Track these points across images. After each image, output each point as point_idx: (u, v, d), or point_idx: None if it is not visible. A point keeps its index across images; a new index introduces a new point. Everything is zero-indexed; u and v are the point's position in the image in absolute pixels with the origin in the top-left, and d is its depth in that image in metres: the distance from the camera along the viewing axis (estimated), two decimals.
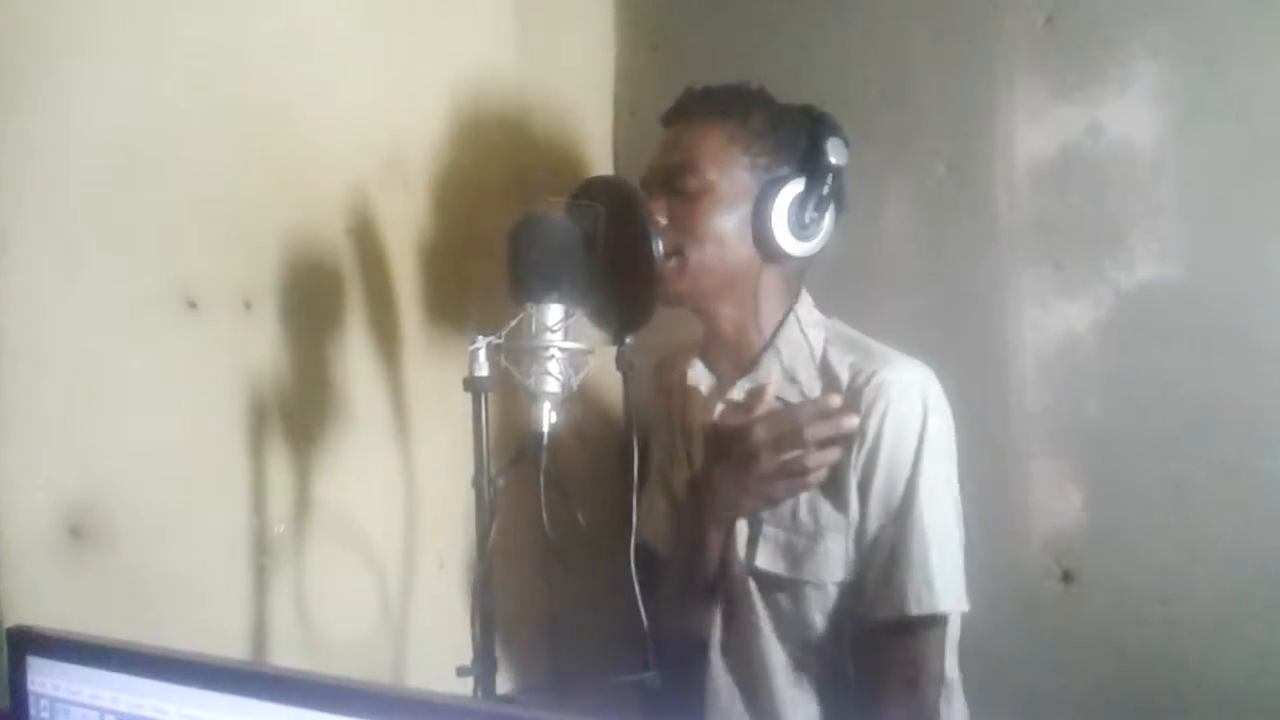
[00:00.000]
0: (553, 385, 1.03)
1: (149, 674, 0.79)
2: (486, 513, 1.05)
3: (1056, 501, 1.43)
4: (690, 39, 1.76)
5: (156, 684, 0.78)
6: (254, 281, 1.26)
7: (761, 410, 1.20)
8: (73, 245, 1.09)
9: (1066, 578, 1.40)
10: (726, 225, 1.26)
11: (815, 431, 1.16)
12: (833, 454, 1.18)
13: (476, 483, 1.06)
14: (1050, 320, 1.41)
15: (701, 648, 1.31)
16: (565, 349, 1.04)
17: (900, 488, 1.19)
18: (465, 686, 1.03)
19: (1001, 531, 1.41)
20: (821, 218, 1.26)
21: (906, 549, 1.17)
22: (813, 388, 1.25)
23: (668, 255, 1.21)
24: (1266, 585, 1.27)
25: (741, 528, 1.27)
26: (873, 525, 1.20)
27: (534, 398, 1.03)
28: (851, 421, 1.17)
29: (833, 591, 1.22)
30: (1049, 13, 1.40)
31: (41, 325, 1.06)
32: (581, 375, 1.06)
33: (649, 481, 1.45)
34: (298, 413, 1.30)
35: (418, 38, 1.49)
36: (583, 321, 1.08)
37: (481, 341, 1.05)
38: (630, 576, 1.05)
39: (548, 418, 1.03)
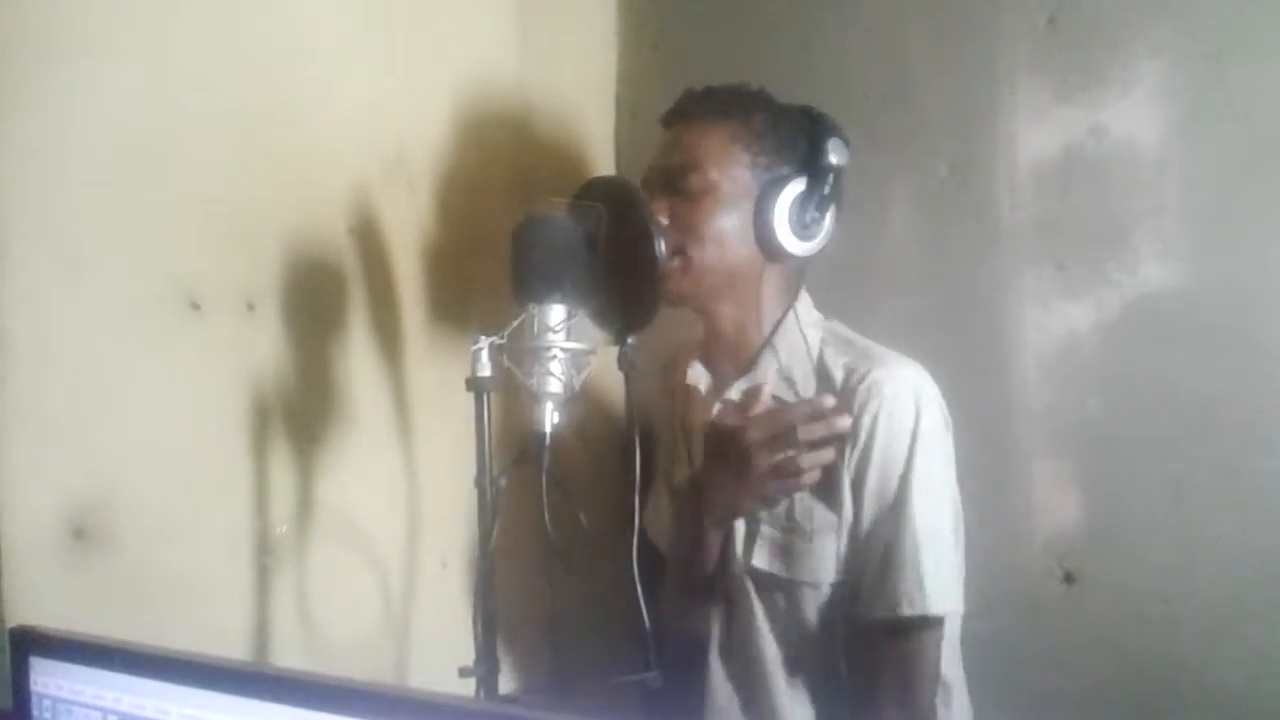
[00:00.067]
0: (555, 385, 1.03)
1: (151, 674, 0.79)
2: (489, 513, 1.05)
3: (1058, 502, 1.43)
4: (692, 40, 1.76)
5: (159, 684, 0.78)
6: (257, 282, 1.26)
7: (758, 410, 1.20)
8: (75, 246, 1.09)
9: (1068, 578, 1.40)
10: (728, 225, 1.26)
11: (808, 432, 1.16)
12: (826, 454, 1.17)
13: (479, 483, 1.06)
14: (1052, 321, 1.41)
15: (701, 647, 1.31)
16: (567, 349, 1.04)
17: (893, 487, 1.18)
18: (467, 687, 1.03)
19: (1003, 532, 1.41)
20: (822, 217, 1.26)
21: (900, 549, 1.17)
22: (808, 388, 1.25)
23: (670, 255, 1.22)
24: (1267, 585, 1.26)
25: (739, 527, 1.27)
26: (867, 525, 1.20)
27: (536, 398, 1.03)
28: (844, 422, 1.17)
29: (828, 592, 1.22)
30: (1051, 13, 1.40)
31: (45, 326, 1.07)
32: (583, 375, 1.06)
33: (654, 482, 1.46)
34: (300, 413, 1.30)
35: (419, 38, 1.49)
36: (585, 322, 1.08)
37: (484, 342, 1.05)
38: (632, 577, 1.05)
39: (550, 418, 1.03)
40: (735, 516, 1.26)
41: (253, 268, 1.26)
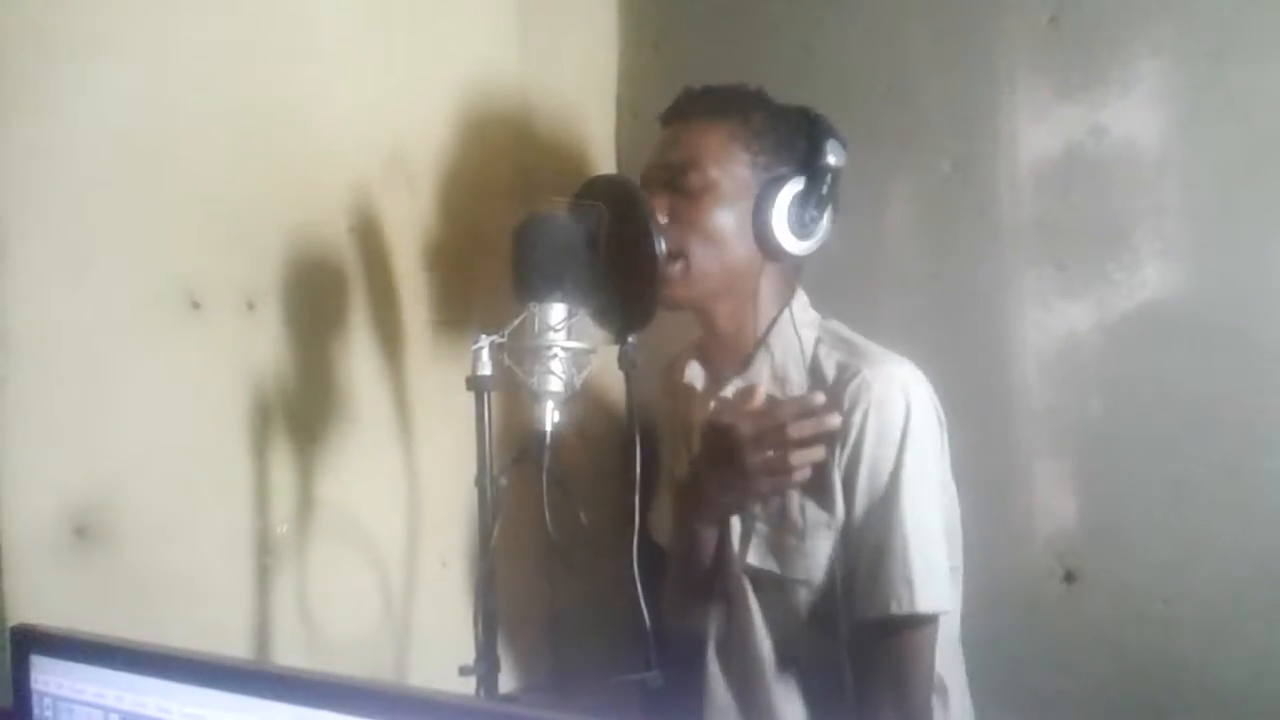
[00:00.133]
0: (555, 384, 1.03)
1: (152, 673, 0.79)
2: (489, 512, 1.05)
3: (1058, 501, 1.43)
4: (692, 39, 1.76)
5: (160, 682, 0.78)
6: (257, 281, 1.26)
7: (752, 408, 1.19)
8: (77, 246, 1.09)
9: (1069, 577, 1.40)
10: (727, 223, 1.26)
11: (798, 429, 1.15)
12: (817, 452, 1.17)
13: (479, 482, 1.06)
14: (1053, 320, 1.41)
15: (701, 646, 1.31)
16: (568, 348, 1.04)
17: (883, 484, 1.18)
18: (468, 685, 1.03)
19: (1004, 531, 1.41)
20: (820, 217, 1.26)
21: (890, 548, 1.17)
22: (802, 386, 1.25)
23: (671, 258, 1.22)
24: (1267, 584, 1.26)
25: (736, 526, 1.28)
26: (858, 523, 1.20)
27: (537, 397, 1.03)
28: (834, 419, 1.16)
29: (823, 590, 1.22)
30: (1052, 12, 1.40)
31: (46, 326, 1.07)
32: (584, 374, 1.06)
33: (659, 481, 1.46)
34: (301, 412, 1.30)
35: (420, 38, 1.50)
36: (585, 321, 1.08)
37: (484, 340, 1.05)
38: (633, 576, 1.05)
39: (550, 417, 1.03)
40: (729, 514, 1.26)
41: (253, 267, 1.26)
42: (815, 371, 1.26)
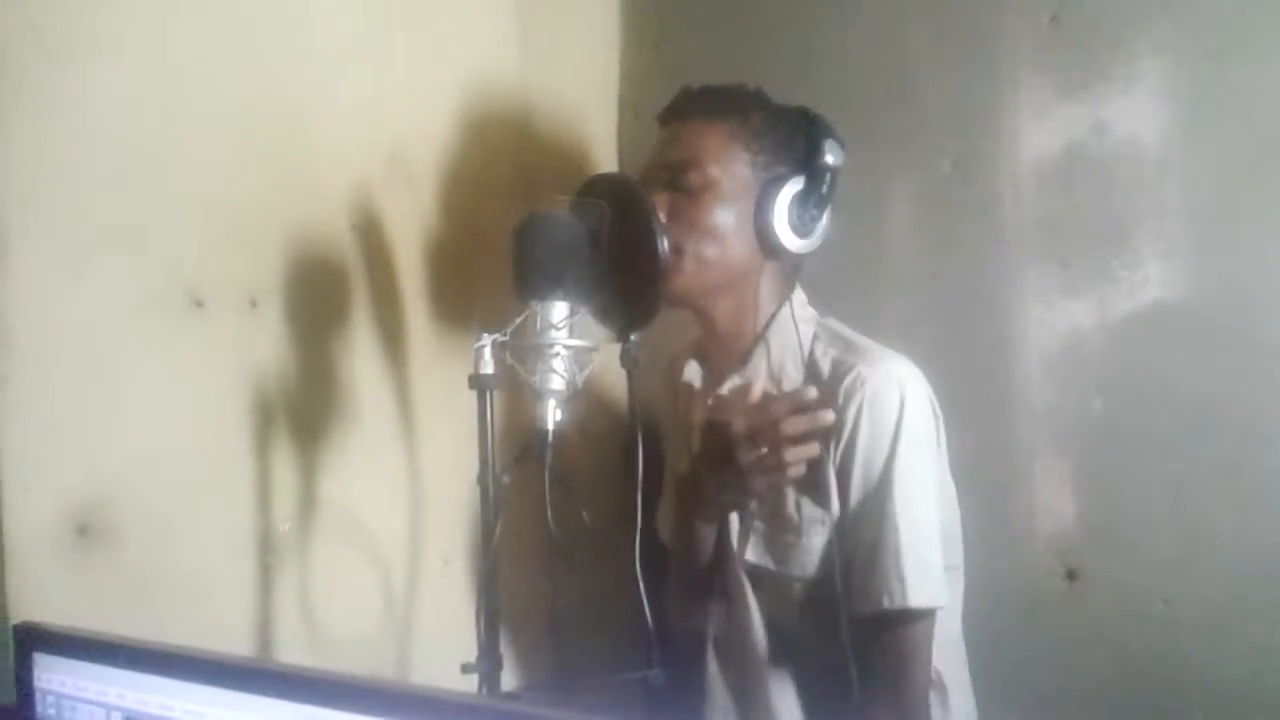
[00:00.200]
0: (558, 383, 1.03)
1: (155, 670, 0.79)
2: (491, 510, 1.05)
3: (1060, 500, 1.43)
4: (693, 39, 1.76)
5: (162, 680, 0.79)
6: (259, 280, 1.27)
7: (747, 405, 1.19)
8: (79, 244, 1.09)
9: (1070, 576, 1.40)
10: (727, 221, 1.26)
11: (791, 426, 1.14)
12: (811, 449, 1.16)
13: (481, 480, 1.06)
14: (1055, 318, 1.41)
15: (702, 644, 1.32)
16: (570, 346, 1.04)
17: (877, 479, 1.18)
18: (470, 683, 1.03)
19: (1005, 530, 1.42)
20: (820, 216, 1.27)
21: (883, 542, 1.17)
22: (799, 382, 1.25)
23: (670, 254, 1.22)
24: (1268, 583, 1.26)
25: (734, 523, 1.28)
26: (853, 518, 1.20)
27: (539, 395, 1.03)
28: (827, 416, 1.15)
29: (819, 586, 1.22)
30: (1053, 11, 1.40)
31: (48, 324, 1.07)
32: (586, 373, 1.06)
33: (665, 481, 1.46)
34: (303, 410, 1.31)
35: (421, 38, 1.50)
36: (587, 319, 1.08)
37: (486, 339, 1.05)
38: (635, 574, 1.05)
39: (553, 415, 1.03)
40: (726, 511, 1.26)
41: (255, 265, 1.27)
42: (811, 367, 1.26)
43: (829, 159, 1.23)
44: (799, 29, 1.61)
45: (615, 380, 1.27)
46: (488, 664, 1.04)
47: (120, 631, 0.84)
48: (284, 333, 1.29)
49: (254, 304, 1.26)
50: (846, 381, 1.20)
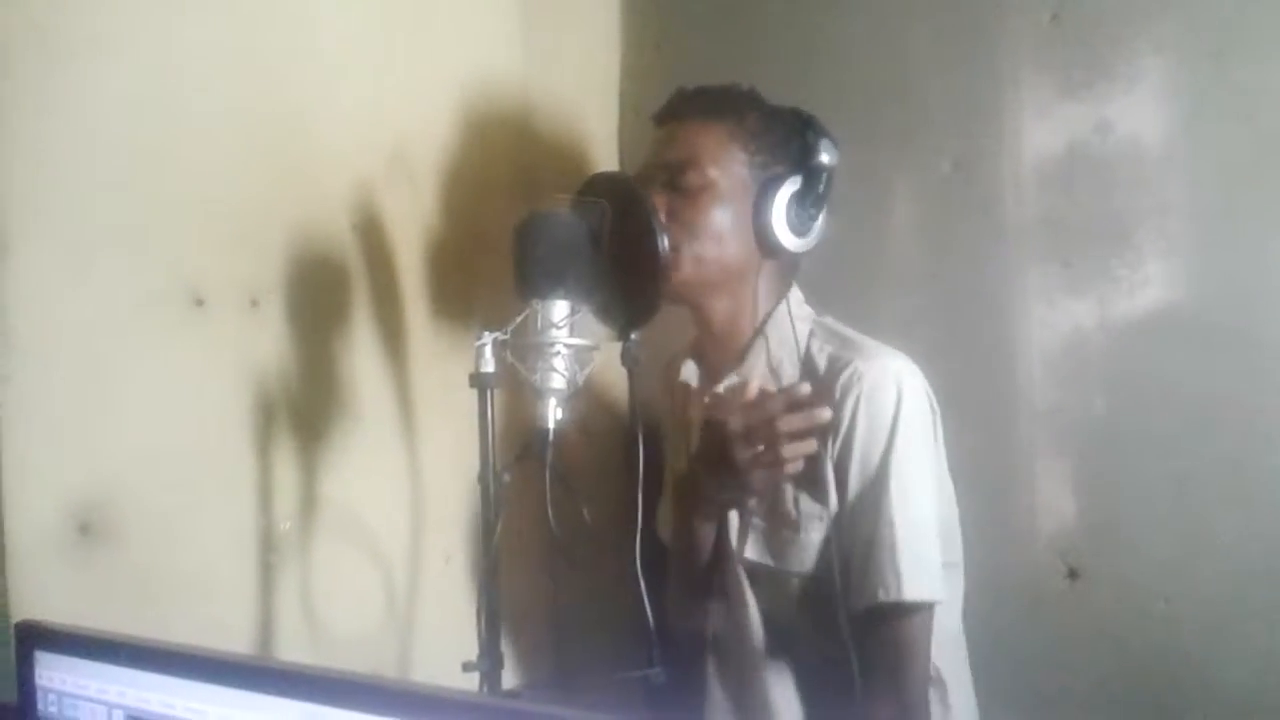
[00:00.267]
0: (558, 381, 1.03)
1: (156, 669, 0.79)
2: (492, 509, 1.06)
3: (1062, 499, 1.43)
4: (694, 39, 1.76)
5: (163, 679, 0.79)
6: (260, 279, 1.27)
7: (744, 402, 1.19)
8: (80, 244, 1.10)
9: (1072, 574, 1.40)
10: (725, 221, 1.26)
11: (788, 423, 1.13)
12: (808, 445, 1.15)
13: (482, 479, 1.06)
14: (1057, 318, 1.41)
15: (702, 642, 1.32)
16: (571, 345, 1.04)
17: (873, 473, 1.18)
18: (471, 682, 1.04)
19: (1007, 529, 1.42)
20: (818, 215, 1.27)
21: (879, 535, 1.17)
22: (795, 379, 1.25)
23: (670, 253, 1.22)
24: (1269, 582, 1.26)
25: (733, 520, 1.28)
26: (850, 512, 1.20)
27: (539, 394, 1.03)
28: (824, 413, 1.15)
29: (818, 582, 1.22)
30: (1054, 10, 1.40)
31: (50, 324, 1.07)
32: (587, 371, 1.06)
33: (665, 480, 1.46)
34: (304, 409, 1.31)
35: (422, 38, 1.50)
36: (588, 318, 1.09)
37: (487, 338, 1.05)
38: (635, 572, 1.05)
39: (553, 414, 1.03)
40: (725, 510, 1.26)
41: (256, 264, 1.27)
42: (808, 363, 1.26)
43: (825, 159, 1.23)
44: (799, 29, 1.61)
45: (616, 379, 1.27)
46: (489, 662, 1.04)
47: (122, 630, 0.84)
48: (285, 332, 1.29)
49: (255, 303, 1.26)
50: (843, 377, 1.20)
